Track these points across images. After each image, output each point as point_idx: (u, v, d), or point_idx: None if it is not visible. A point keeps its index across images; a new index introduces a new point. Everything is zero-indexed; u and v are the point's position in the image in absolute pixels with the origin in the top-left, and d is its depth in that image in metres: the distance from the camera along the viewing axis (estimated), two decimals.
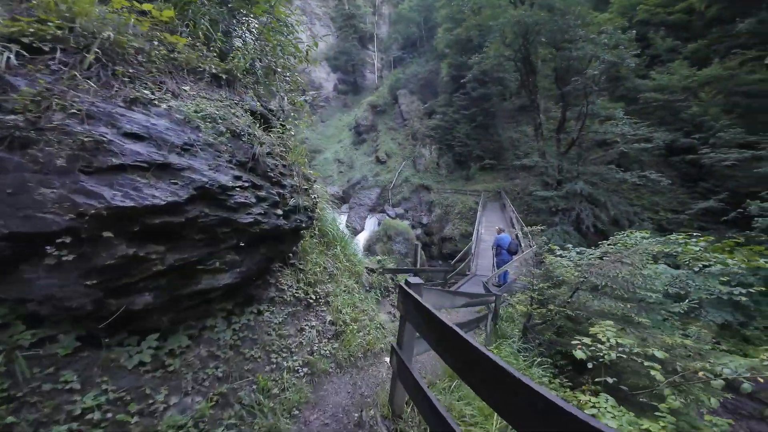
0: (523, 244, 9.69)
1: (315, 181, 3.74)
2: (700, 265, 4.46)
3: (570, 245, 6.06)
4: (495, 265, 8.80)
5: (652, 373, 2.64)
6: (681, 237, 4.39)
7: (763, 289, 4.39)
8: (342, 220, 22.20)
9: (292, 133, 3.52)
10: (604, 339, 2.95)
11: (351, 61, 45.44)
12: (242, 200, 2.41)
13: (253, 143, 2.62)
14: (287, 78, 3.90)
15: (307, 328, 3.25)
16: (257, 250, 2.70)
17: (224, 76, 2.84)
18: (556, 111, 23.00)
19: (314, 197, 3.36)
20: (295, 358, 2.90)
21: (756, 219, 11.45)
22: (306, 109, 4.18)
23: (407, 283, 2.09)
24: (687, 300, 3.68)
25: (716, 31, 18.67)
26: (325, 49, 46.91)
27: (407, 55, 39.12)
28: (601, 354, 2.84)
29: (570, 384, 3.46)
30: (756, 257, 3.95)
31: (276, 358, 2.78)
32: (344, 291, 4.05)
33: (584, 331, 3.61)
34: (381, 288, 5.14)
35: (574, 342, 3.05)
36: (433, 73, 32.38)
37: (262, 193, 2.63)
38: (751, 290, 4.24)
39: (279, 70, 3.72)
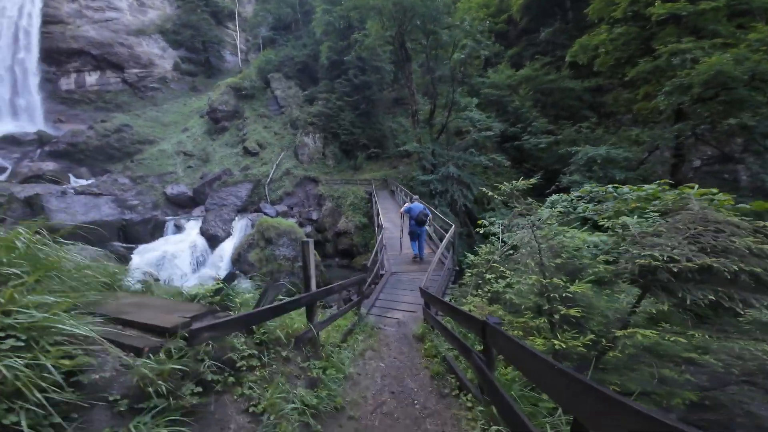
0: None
1: None
2: None
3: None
4: (408, 232, 7.75)
5: None
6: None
7: None
8: (193, 227, 16.06)
9: None
10: None
11: (200, 37, 35.51)
12: None
13: None
14: None
15: None
16: None
17: None
18: (424, 104, 24.06)
19: None
20: None
21: (570, 190, 13.90)
22: None
23: None
24: None
25: (525, 39, 23.25)
26: (157, 19, 34.93)
27: (280, 37, 33.43)
28: None
29: None
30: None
31: None
32: None
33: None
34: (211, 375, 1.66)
35: None
36: (312, 58, 28.59)
37: None
38: None
39: None
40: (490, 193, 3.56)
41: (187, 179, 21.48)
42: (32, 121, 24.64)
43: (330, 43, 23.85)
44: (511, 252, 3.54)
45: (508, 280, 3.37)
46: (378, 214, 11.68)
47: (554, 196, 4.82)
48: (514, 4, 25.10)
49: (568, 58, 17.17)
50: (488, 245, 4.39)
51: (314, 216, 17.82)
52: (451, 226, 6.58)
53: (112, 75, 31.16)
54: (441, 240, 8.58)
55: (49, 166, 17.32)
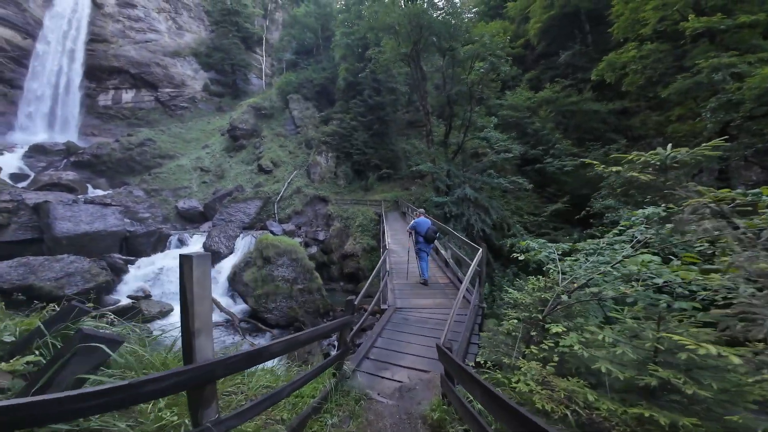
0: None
1: None
2: None
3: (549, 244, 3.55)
4: (415, 253, 7.02)
5: None
6: None
7: None
8: (197, 242, 15.52)
9: None
10: None
11: (229, 60, 37.70)
12: None
13: None
14: None
15: None
16: None
17: None
18: (438, 125, 23.66)
19: None
20: None
21: (605, 215, 12.37)
22: None
23: None
24: None
25: (544, 63, 22.82)
26: (192, 42, 37.60)
27: (302, 61, 35.13)
28: None
29: None
30: None
31: None
32: None
33: None
34: None
35: None
36: (330, 80, 29.47)
37: None
38: None
39: None
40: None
41: (200, 194, 21.53)
42: (67, 133, 26.05)
43: (347, 65, 24.42)
44: (593, 288, 2.33)
45: (587, 334, 2.18)
46: (384, 234, 10.63)
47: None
48: (531, 28, 25.05)
49: (594, 76, 16.39)
50: (539, 278, 3.18)
51: (321, 236, 16.98)
52: (478, 249, 5.17)
53: (147, 93, 33.08)
54: (458, 264, 7.34)
55: (69, 175, 17.73)
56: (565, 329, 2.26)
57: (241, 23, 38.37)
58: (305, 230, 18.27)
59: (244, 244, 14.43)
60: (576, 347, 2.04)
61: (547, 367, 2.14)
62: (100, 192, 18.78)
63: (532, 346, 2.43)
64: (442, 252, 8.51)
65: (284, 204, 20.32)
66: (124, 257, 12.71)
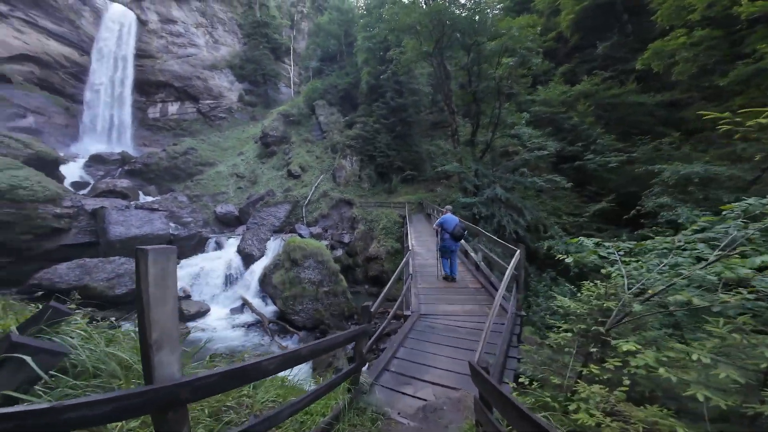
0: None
1: None
2: None
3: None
4: (437, 249, 6.93)
5: None
6: None
7: None
8: (232, 245, 16.35)
9: None
10: None
11: (261, 70, 39.84)
12: None
13: None
14: None
15: None
16: None
17: None
18: (464, 125, 22.96)
19: None
20: None
21: (661, 215, 11.14)
22: None
23: None
24: None
25: (579, 56, 21.34)
26: (228, 55, 40.21)
27: (326, 67, 36.31)
28: None
29: None
30: None
31: None
32: None
33: None
34: None
35: None
36: (353, 85, 30.05)
37: None
38: None
39: None
40: None
41: (236, 199, 22.77)
42: (123, 144, 28.94)
43: (370, 68, 24.68)
44: (676, 295, 1.93)
45: (669, 351, 1.81)
46: (407, 235, 10.37)
47: None
48: (562, 20, 23.55)
49: (640, 65, 15.02)
50: (597, 284, 2.72)
51: (346, 239, 17.12)
52: (514, 251, 4.65)
53: (189, 105, 35.75)
54: (490, 267, 6.87)
55: (124, 183, 19.62)
56: (639, 346, 1.87)
57: (270, 34, 40.38)
58: (331, 233, 18.55)
59: (274, 246, 14.93)
60: (660, 370, 1.67)
61: (616, 393, 1.79)
62: (149, 198, 20.56)
63: (591, 365, 2.07)
64: (472, 255, 8.06)
65: (311, 207, 20.83)
66: None
